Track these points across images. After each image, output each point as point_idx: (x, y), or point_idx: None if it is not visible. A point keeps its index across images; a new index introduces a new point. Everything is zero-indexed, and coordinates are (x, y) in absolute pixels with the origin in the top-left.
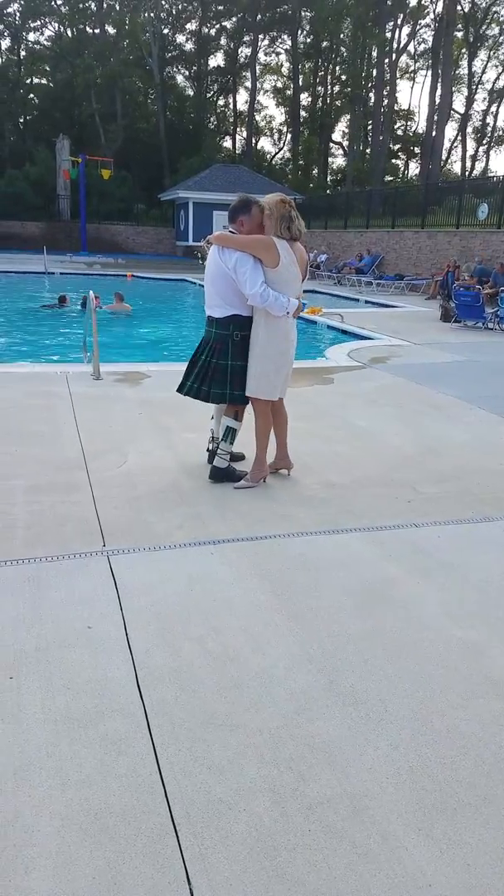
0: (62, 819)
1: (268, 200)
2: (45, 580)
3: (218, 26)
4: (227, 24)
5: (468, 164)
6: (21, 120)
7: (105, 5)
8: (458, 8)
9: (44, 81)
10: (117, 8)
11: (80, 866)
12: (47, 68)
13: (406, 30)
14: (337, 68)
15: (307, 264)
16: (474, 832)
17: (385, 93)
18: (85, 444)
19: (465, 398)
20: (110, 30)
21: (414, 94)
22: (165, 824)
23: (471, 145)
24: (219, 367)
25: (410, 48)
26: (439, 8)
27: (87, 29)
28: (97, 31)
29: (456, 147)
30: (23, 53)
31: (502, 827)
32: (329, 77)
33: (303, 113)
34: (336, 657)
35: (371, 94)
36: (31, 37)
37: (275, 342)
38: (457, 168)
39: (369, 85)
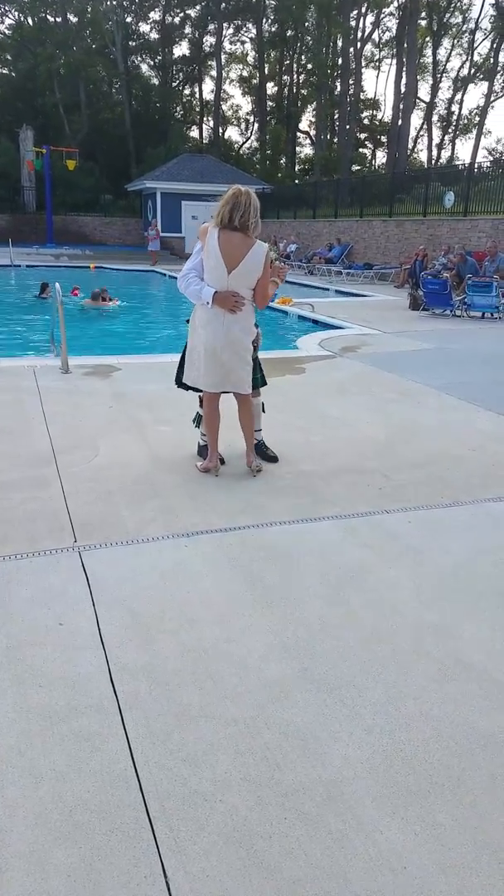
0: (35, 817)
1: None
2: (14, 578)
3: (182, 15)
4: (191, 12)
5: (434, 152)
6: None
7: None
8: None
9: (5, 71)
10: None
11: (54, 865)
12: (8, 57)
13: (370, 18)
14: (302, 57)
15: (244, 257)
16: (448, 813)
17: (351, 82)
18: (54, 438)
19: (435, 385)
20: (72, 18)
21: (379, 83)
22: (141, 818)
23: (436, 134)
24: None
25: (375, 37)
26: None
27: (49, 17)
28: (59, 19)
29: (422, 136)
30: None
31: (475, 807)
32: (295, 66)
33: (269, 102)
34: (309, 644)
35: (337, 83)
36: None
37: (197, 329)
38: (423, 157)
39: (335, 74)
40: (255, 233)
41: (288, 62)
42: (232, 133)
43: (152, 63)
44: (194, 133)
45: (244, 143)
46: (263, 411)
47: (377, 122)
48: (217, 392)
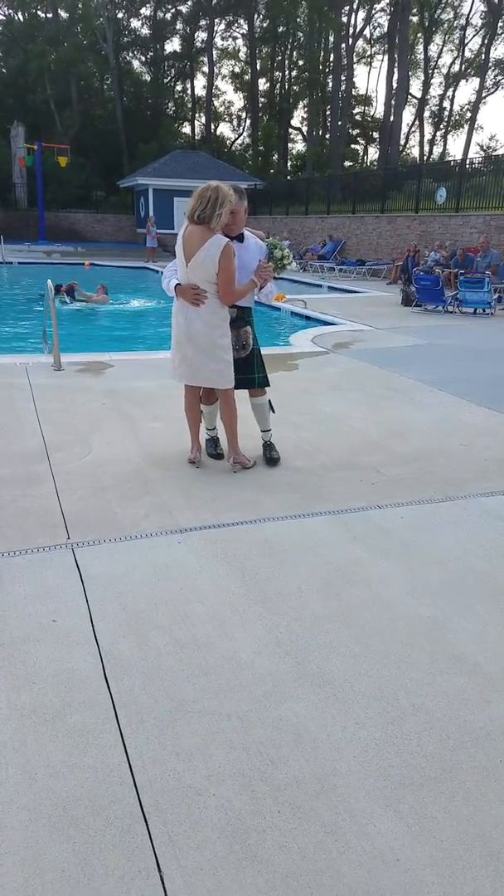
0: (30, 813)
1: None
2: (7, 575)
3: (173, 10)
4: (183, 8)
5: (426, 148)
6: None
7: None
8: None
9: None
10: None
11: (49, 860)
12: None
13: (362, 14)
14: (294, 53)
15: (198, 249)
16: (440, 806)
17: (343, 78)
18: (47, 435)
19: (427, 381)
20: (63, 14)
21: (371, 79)
22: (135, 813)
23: (428, 130)
24: None
25: (367, 32)
26: None
27: (39, 13)
28: (49, 15)
29: (414, 132)
30: None
31: (467, 800)
32: (286, 62)
33: (261, 98)
34: (303, 639)
35: (329, 79)
36: None
37: (173, 321)
38: (415, 153)
39: (327, 70)
40: (219, 226)
41: (280, 58)
42: (224, 129)
43: (143, 59)
44: (186, 129)
45: (236, 139)
46: (273, 411)
47: (369, 119)
48: (189, 384)
